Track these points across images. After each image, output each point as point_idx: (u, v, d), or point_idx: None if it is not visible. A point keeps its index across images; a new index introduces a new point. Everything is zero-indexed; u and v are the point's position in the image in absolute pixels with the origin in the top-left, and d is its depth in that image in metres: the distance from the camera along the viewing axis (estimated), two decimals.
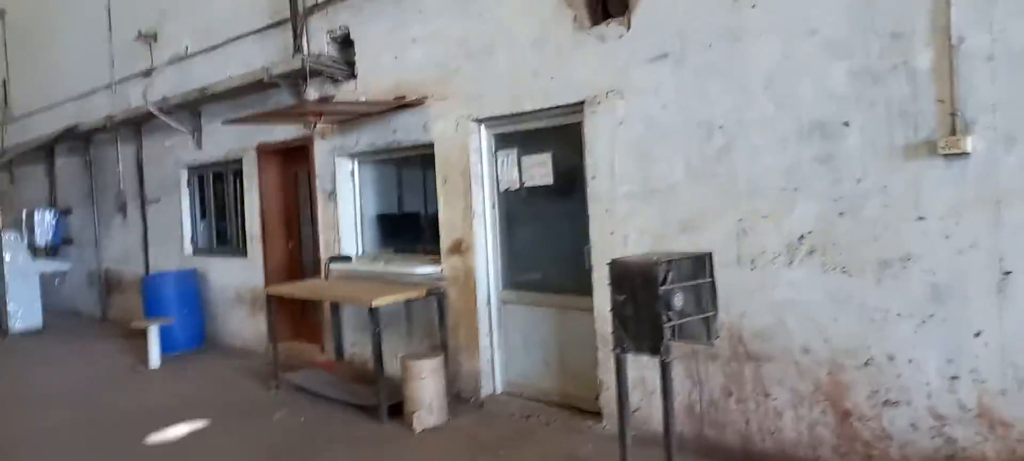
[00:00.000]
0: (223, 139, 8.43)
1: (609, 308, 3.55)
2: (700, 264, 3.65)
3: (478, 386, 5.82)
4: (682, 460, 3.87)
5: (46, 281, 10.78)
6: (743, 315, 4.32)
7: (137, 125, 9.86)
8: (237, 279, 8.47)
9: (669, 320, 3.44)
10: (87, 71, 10.71)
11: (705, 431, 4.53)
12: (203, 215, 9.34)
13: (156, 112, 8.64)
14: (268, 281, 8.02)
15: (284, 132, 7.57)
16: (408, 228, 7.01)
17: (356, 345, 6.94)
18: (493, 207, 5.82)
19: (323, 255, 7.22)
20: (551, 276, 5.61)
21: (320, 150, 7.18)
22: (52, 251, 11.96)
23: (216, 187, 9.09)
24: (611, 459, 4.55)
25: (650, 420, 4.53)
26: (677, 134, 4.58)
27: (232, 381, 7.17)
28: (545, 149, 5.44)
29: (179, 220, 9.39)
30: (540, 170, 5.46)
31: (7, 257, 10.14)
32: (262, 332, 8.15)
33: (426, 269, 6.11)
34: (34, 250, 11.80)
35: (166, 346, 8.08)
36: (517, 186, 5.64)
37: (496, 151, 5.77)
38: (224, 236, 9.00)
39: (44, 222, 11.63)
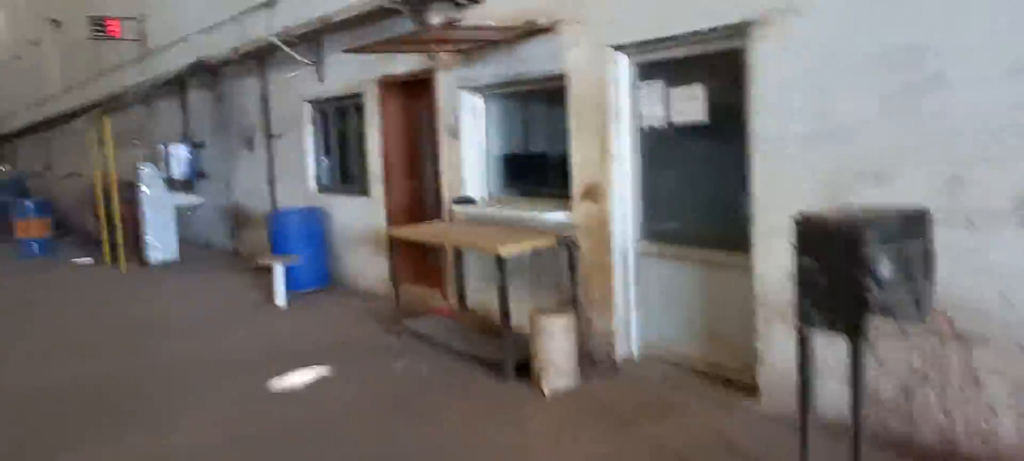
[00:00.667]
0: (345, 71, 8.15)
1: (790, 272, 2.88)
2: (911, 223, 2.91)
3: (612, 347, 5.29)
4: (867, 457, 3.20)
5: (181, 214, 11.11)
6: (950, 285, 3.51)
7: (261, 58, 9.78)
8: (360, 218, 8.28)
9: (873, 292, 2.75)
10: (215, 3, 10.72)
11: (890, 423, 3.80)
12: (326, 152, 9.19)
13: (278, 43, 8.46)
14: (390, 222, 7.77)
15: (406, 63, 7.16)
16: (535, 170, 6.48)
17: (479, 292, 6.56)
18: (633, 148, 5.17)
19: (446, 196, 6.83)
20: (699, 228, 4.94)
21: (443, 83, 6.72)
22: (186, 184, 12.34)
23: (338, 123, 8.88)
24: (769, 444, 3.96)
25: (819, 404, 3.84)
26: (867, 61, 3.73)
27: (354, 324, 7.00)
28: (697, 80, 4.70)
29: (303, 157, 9.30)
30: (690, 105, 4.74)
31: (146, 190, 10.46)
32: (384, 274, 7.94)
33: (555, 215, 5.58)
34: (170, 182, 12.24)
35: (291, 284, 8.05)
36: (662, 123, 4.95)
37: (638, 83, 5.09)
38: (347, 174, 8.82)
39: (179, 155, 11.96)
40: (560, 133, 5.88)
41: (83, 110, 14.22)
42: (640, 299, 5.27)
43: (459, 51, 6.36)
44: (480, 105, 6.57)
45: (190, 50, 11.47)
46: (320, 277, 8.55)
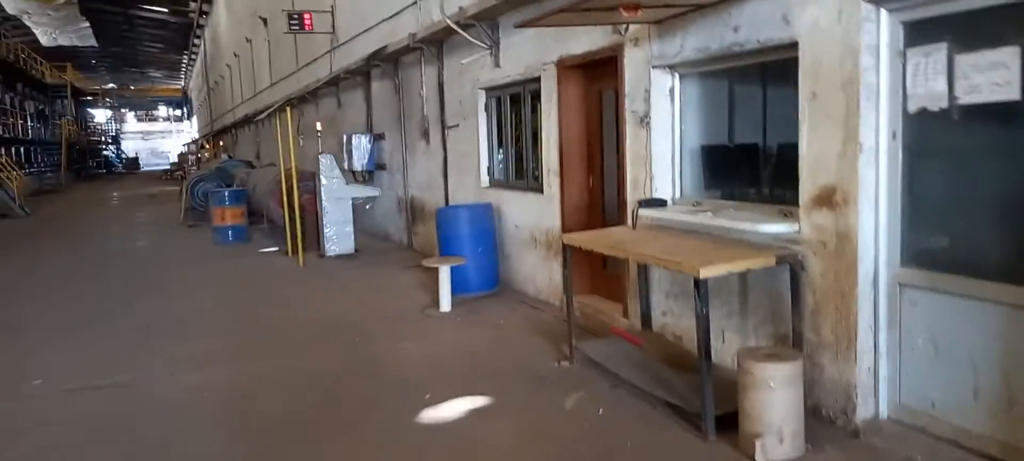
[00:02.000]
0: (522, 54, 7.29)
1: None
2: None
3: (850, 405, 3.94)
4: None
5: (359, 206, 10.91)
6: None
7: (439, 44, 9.22)
8: (532, 217, 7.40)
9: None
10: None
11: None
12: (500, 143, 8.42)
13: (452, 25, 7.78)
14: (565, 223, 6.81)
15: (589, 40, 6.13)
16: (744, 167, 5.21)
17: (669, 315, 5.41)
18: (893, 137, 3.78)
19: (630, 196, 5.74)
20: (998, 253, 3.47)
21: (631, 62, 5.62)
22: (367, 176, 12.21)
23: (513, 111, 8.07)
24: None
25: None
26: None
27: (521, 339, 6.12)
28: (1007, 41, 3.24)
29: (476, 148, 8.59)
30: (993, 76, 3.28)
31: (323, 181, 10.32)
32: (557, 281, 7.01)
33: (773, 226, 4.29)
34: (353, 174, 12.16)
35: (458, 286, 7.35)
36: (941, 104, 3.52)
37: (905, 50, 3.69)
38: (521, 168, 7.98)
39: (360, 147, 11.84)
40: (781, 120, 4.61)
41: (287, 102, 14.65)
42: (896, 344, 3.87)
43: (654, 20, 5.22)
44: (676, 86, 5.40)
45: (373, 40, 11.23)
46: (489, 280, 7.79)
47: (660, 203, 5.36)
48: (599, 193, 6.75)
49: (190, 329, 7.08)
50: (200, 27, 43.23)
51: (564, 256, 5.42)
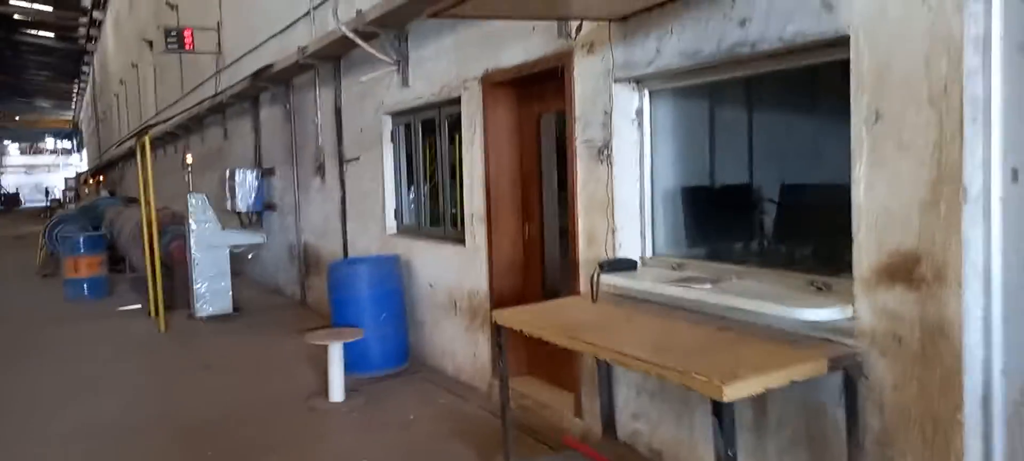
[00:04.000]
0: (437, 69, 5.78)
1: None
2: None
3: None
4: None
5: (241, 255, 9.05)
6: None
7: (336, 61, 7.62)
8: (451, 275, 5.83)
9: None
10: (288, 1, 8.71)
11: None
12: (411, 181, 6.84)
13: (349, 34, 6.19)
14: (494, 284, 5.27)
15: (524, 48, 4.69)
16: (745, 216, 3.85)
17: (642, 419, 3.93)
18: (1015, 178, 2.44)
19: (583, 253, 4.27)
20: None
21: (584, 74, 4.18)
22: (255, 218, 10.37)
23: (427, 141, 6.52)
24: None
25: None
26: None
27: (439, 448, 4.51)
28: None
29: (381, 186, 6.98)
30: None
31: (193, 226, 8.44)
32: (483, 358, 5.45)
33: (816, 312, 2.86)
34: (239, 216, 10.29)
35: (356, 362, 5.69)
36: None
37: None
38: (437, 212, 6.42)
39: (245, 184, 10.00)
40: (811, 152, 3.28)
41: (143, 130, 12.60)
42: None
43: (618, 15, 3.81)
44: (645, 107, 3.99)
45: (263, 59, 9.49)
46: (395, 354, 6.14)
47: (628, 265, 3.90)
48: (538, 246, 5.26)
49: None
50: (89, 53, 39.93)
51: (496, 342, 3.87)
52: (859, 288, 2.76)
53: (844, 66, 2.79)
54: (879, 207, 2.67)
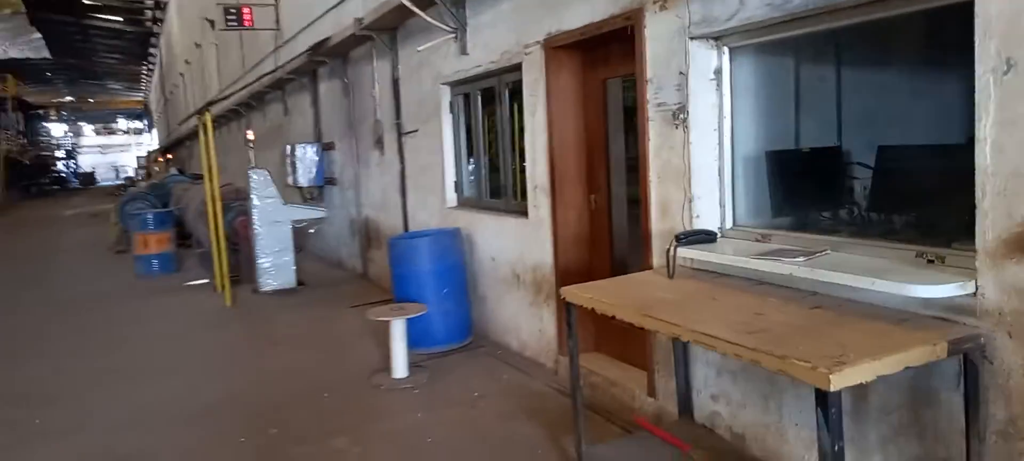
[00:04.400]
0: (496, 35, 5.55)
1: None
2: None
3: None
4: None
5: (302, 230, 9.05)
6: None
7: (392, 31, 7.45)
8: (513, 248, 5.64)
9: None
10: None
11: None
12: (470, 152, 6.65)
13: (405, 2, 5.99)
14: (559, 259, 5.06)
15: (589, 8, 4.40)
16: (837, 183, 3.54)
17: (722, 401, 3.68)
18: None
19: (656, 224, 4.01)
20: None
21: (656, 34, 3.89)
22: (316, 192, 10.37)
23: (487, 111, 6.32)
24: None
25: None
26: None
27: (506, 428, 4.36)
28: None
29: (440, 159, 6.81)
30: None
31: (255, 202, 8.46)
32: (549, 334, 5.26)
33: (930, 288, 2.54)
34: (300, 191, 10.31)
35: (419, 338, 5.58)
36: None
37: None
38: (498, 184, 6.22)
39: (305, 158, 9.99)
40: (910, 112, 2.97)
41: (206, 107, 12.71)
42: None
43: None
44: (725, 66, 3.68)
45: (321, 34, 9.40)
46: (459, 329, 6.01)
47: (707, 237, 3.63)
48: (605, 218, 5.01)
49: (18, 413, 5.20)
50: (156, 35, 41.00)
51: (566, 320, 3.65)
52: (983, 261, 2.43)
53: (958, 9, 2.45)
54: (1010, 170, 2.34)
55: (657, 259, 4.01)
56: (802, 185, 3.68)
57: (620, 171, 4.91)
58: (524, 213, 5.45)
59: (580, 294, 3.47)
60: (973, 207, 2.45)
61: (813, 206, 3.64)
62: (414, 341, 5.51)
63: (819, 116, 3.69)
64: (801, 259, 3.00)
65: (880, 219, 3.33)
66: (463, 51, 6.05)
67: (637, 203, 4.34)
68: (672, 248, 3.56)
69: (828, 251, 3.10)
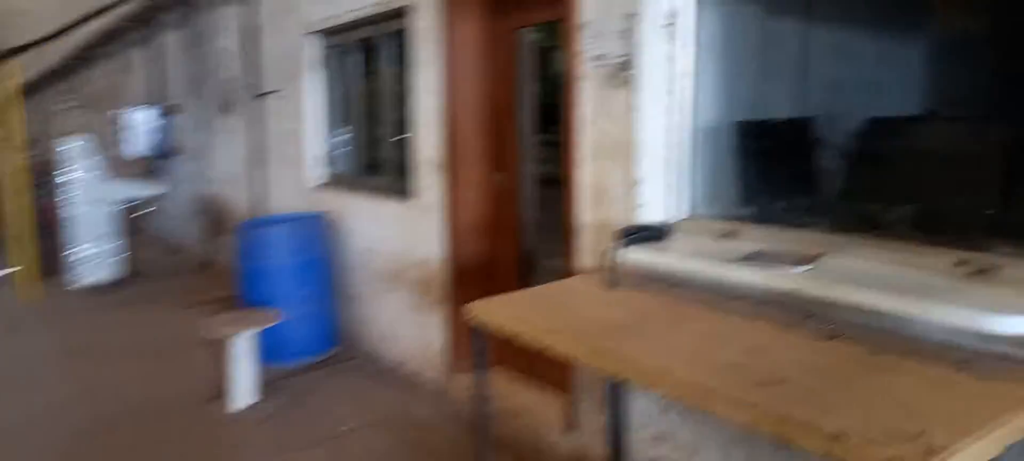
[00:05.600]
0: None
1: None
2: None
3: None
4: None
5: (134, 211, 7.52)
6: None
7: None
8: (395, 237, 4.59)
9: None
10: None
11: None
12: (345, 119, 5.50)
13: None
14: (455, 248, 4.07)
15: None
16: (831, 162, 2.77)
17: (668, 443, 2.83)
18: None
19: (587, 211, 3.10)
20: None
21: None
22: (156, 164, 8.79)
23: (365, 68, 5.20)
24: None
25: None
26: None
27: None
28: None
29: (301, 127, 5.62)
30: None
31: (70, 177, 6.87)
32: (437, 343, 4.27)
33: (994, 318, 1.76)
34: (137, 164, 8.71)
35: (273, 351, 4.45)
36: None
37: None
38: (376, 157, 5.13)
39: (140, 125, 8.39)
40: (918, 77, 2.22)
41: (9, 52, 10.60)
42: None
43: None
44: (685, 6, 2.81)
45: None
46: (323, 337, 4.91)
47: (658, 233, 2.75)
48: (513, 202, 4.06)
49: None
50: None
51: (476, 348, 2.66)
52: None
53: None
54: None
55: (587, 258, 3.11)
56: (780, 165, 2.89)
57: (534, 144, 3.98)
58: (410, 195, 4.41)
59: (496, 313, 2.49)
60: None
61: (795, 192, 2.85)
62: (268, 354, 4.37)
63: (805, 79, 2.90)
64: (804, 268, 2.17)
65: (884, 212, 2.58)
66: None
67: (554, 183, 3.45)
68: (616, 249, 2.66)
69: (826, 255, 2.30)
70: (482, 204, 4.10)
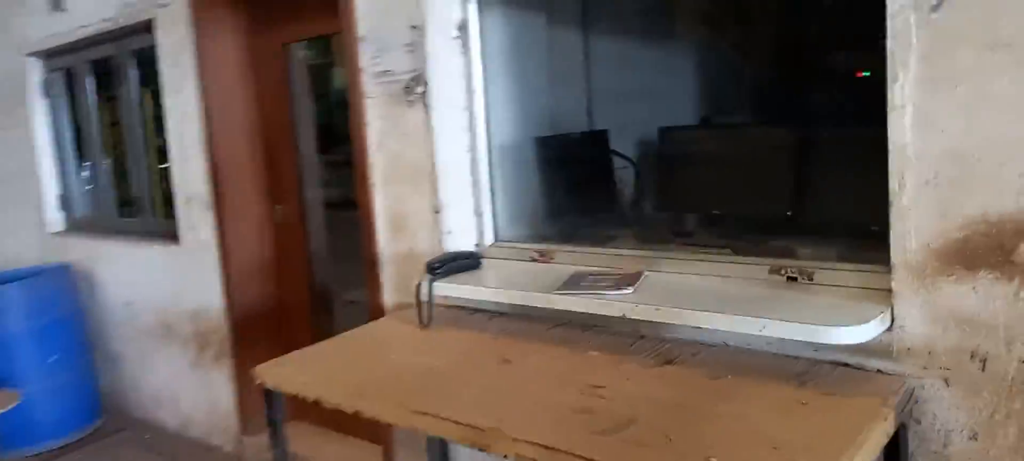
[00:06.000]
0: None
1: None
2: None
3: None
4: None
5: None
6: None
7: None
8: (161, 287, 3.97)
9: None
10: None
11: None
12: (92, 152, 4.68)
13: None
14: (234, 294, 3.58)
15: None
16: (615, 176, 2.73)
17: None
18: None
19: (384, 241, 2.82)
20: None
21: None
22: None
23: (106, 91, 4.45)
24: None
25: None
26: None
27: None
28: None
29: (33, 163, 4.71)
30: None
31: None
32: (224, 403, 3.75)
33: (855, 331, 1.71)
34: None
35: (15, 435, 3.67)
36: None
37: None
38: (129, 195, 4.41)
39: None
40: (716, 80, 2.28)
41: None
42: None
43: None
44: (472, 17, 2.62)
45: None
46: (81, 411, 4.16)
47: (470, 262, 2.54)
48: (300, 234, 3.65)
49: None
50: None
51: (270, 418, 2.26)
52: (904, 281, 1.72)
53: None
54: (942, 150, 1.63)
55: (391, 295, 2.83)
56: (582, 181, 2.81)
57: (317, 168, 3.61)
58: (174, 236, 3.82)
59: (291, 376, 2.13)
60: (823, 202, 1.77)
61: (599, 208, 2.79)
62: (8, 440, 3.58)
63: (592, 91, 2.85)
64: (627, 290, 2.07)
65: (694, 223, 2.59)
66: (57, 5, 4.13)
67: (345, 207, 3.14)
68: (425, 284, 2.41)
69: (645, 273, 2.23)
70: (263, 241, 3.65)
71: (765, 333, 1.76)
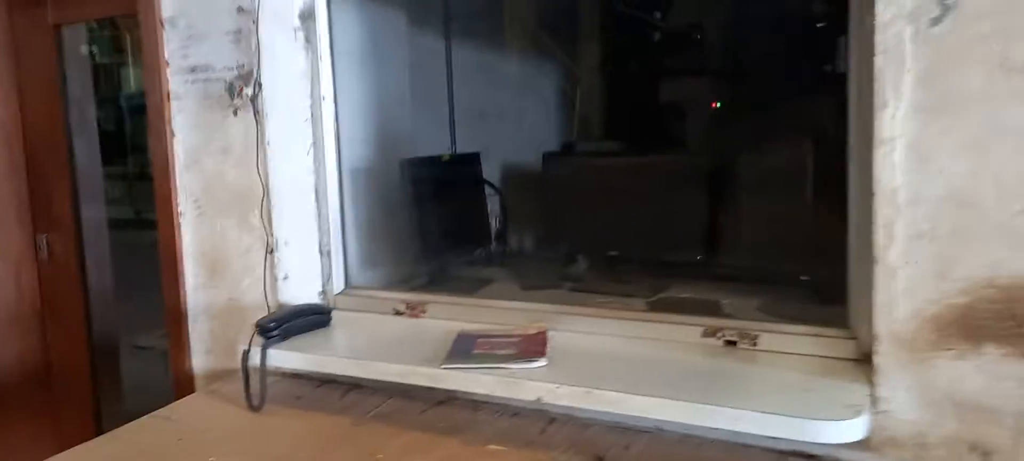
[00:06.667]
0: None
1: None
2: None
3: None
4: None
5: None
6: None
7: None
8: None
9: None
10: None
11: None
12: None
13: None
14: None
15: None
16: (491, 210, 2.29)
17: None
18: None
19: (192, 288, 2.14)
20: None
21: None
22: None
23: None
24: None
25: None
26: None
27: None
28: None
29: None
30: None
31: None
32: None
33: (844, 427, 1.34)
34: None
35: None
36: None
37: None
38: None
39: None
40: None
41: None
42: None
43: None
44: (320, 6, 2.04)
45: None
46: None
47: (318, 318, 1.93)
48: (74, 271, 2.80)
49: None
50: None
51: None
52: (890, 354, 1.39)
53: None
54: (946, 196, 1.32)
55: (202, 359, 2.15)
56: (454, 214, 2.31)
57: (97, 185, 2.80)
58: None
59: None
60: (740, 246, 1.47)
61: (471, 246, 2.30)
62: None
63: (464, 109, 2.37)
64: (540, 363, 1.60)
65: (578, 265, 2.18)
66: None
67: (134, 225, 2.43)
68: (255, 351, 1.78)
69: (549, 333, 1.78)
70: (21, 283, 2.77)
71: (738, 428, 1.36)
